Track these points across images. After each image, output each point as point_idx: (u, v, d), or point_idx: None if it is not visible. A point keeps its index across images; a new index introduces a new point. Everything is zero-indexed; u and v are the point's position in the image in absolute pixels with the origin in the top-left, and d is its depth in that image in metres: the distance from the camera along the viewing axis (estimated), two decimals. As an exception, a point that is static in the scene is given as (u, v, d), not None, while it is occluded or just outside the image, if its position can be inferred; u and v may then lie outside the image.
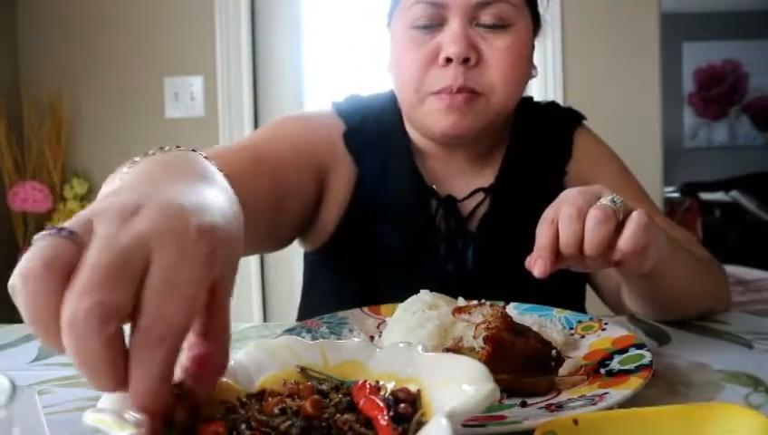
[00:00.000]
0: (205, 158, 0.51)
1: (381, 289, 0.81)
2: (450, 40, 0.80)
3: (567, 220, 0.59)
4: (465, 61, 0.80)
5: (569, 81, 2.37)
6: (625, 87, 2.37)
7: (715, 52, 5.53)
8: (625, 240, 0.59)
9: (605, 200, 0.60)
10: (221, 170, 0.50)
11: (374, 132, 0.93)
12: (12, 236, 2.38)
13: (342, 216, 0.90)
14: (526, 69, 0.86)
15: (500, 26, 0.81)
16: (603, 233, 0.58)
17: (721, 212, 4.79)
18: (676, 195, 4.67)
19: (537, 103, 1.00)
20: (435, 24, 0.82)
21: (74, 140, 2.46)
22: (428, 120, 0.84)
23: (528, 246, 0.62)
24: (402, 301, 0.69)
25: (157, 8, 2.43)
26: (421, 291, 0.68)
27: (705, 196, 4.82)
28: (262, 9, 2.48)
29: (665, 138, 2.44)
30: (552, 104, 1.01)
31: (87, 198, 2.45)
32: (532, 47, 0.88)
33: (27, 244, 2.37)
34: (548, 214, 0.62)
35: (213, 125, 2.43)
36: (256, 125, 2.48)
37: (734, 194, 4.86)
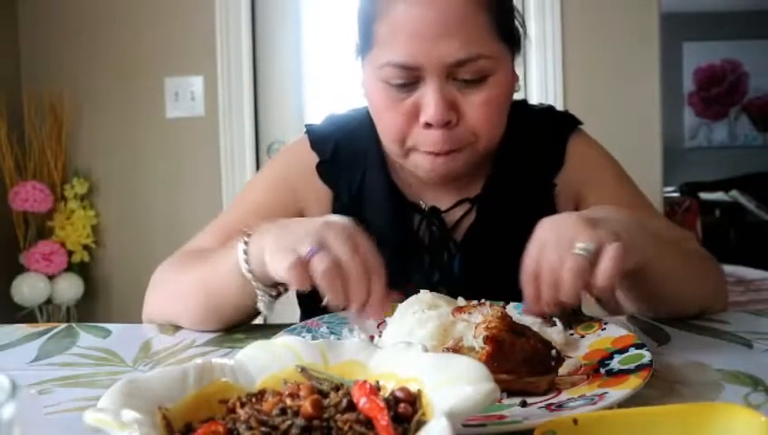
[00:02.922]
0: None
1: None
2: (428, 105, 0.78)
3: (546, 281, 0.64)
4: (446, 124, 0.79)
5: (569, 81, 2.36)
6: (625, 87, 2.37)
7: (714, 52, 5.53)
8: (600, 279, 0.62)
9: (578, 249, 0.62)
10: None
11: (348, 156, 0.93)
12: (13, 235, 2.38)
13: None
14: (507, 108, 0.85)
15: (479, 79, 0.79)
16: (578, 286, 0.62)
17: (721, 212, 4.79)
18: (675, 195, 4.67)
19: (532, 108, 0.98)
20: (410, 83, 0.79)
21: (75, 139, 2.46)
22: (415, 169, 0.85)
23: (515, 256, 0.65)
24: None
25: (157, 8, 2.43)
26: (421, 291, 0.68)
27: (704, 196, 4.81)
28: (262, 9, 2.48)
29: (665, 138, 2.44)
30: (548, 109, 0.99)
31: (88, 197, 2.45)
32: (515, 78, 0.86)
33: (28, 244, 2.37)
34: (529, 262, 0.65)
35: (213, 125, 2.43)
36: (256, 124, 2.48)
37: (734, 194, 4.86)
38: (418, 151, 0.82)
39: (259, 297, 0.73)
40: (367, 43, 0.84)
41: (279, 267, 0.64)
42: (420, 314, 0.63)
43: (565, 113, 0.98)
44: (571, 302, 0.64)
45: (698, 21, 5.40)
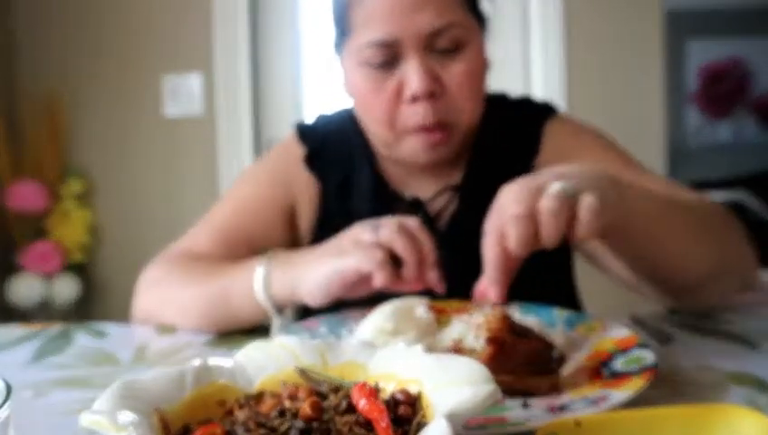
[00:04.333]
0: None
1: (358, 299, 0.80)
2: (411, 78, 0.81)
3: (516, 233, 0.59)
4: (431, 95, 0.81)
5: (571, 79, 2.36)
6: (628, 85, 2.37)
7: (719, 49, 5.51)
8: (582, 229, 0.59)
9: (554, 190, 0.59)
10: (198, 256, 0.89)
11: (336, 149, 0.96)
12: (8, 235, 2.37)
13: (313, 232, 0.95)
14: (484, 82, 0.88)
15: (455, 49, 0.82)
16: (559, 226, 0.58)
17: (723, 211, 4.78)
18: (677, 194, 4.66)
19: (509, 99, 1.00)
20: (390, 61, 0.82)
21: (71, 138, 2.45)
22: (408, 155, 0.87)
23: None
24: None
25: (154, 5, 2.42)
26: (380, 314, 0.66)
27: (709, 195, 4.81)
28: (261, 5, 2.48)
29: (669, 136, 2.44)
30: (525, 99, 1.00)
31: (84, 196, 2.44)
32: (485, 54, 0.88)
33: (23, 243, 2.36)
34: (492, 225, 0.62)
35: (211, 122, 2.42)
36: (255, 122, 2.47)
37: (739, 193, 4.86)
38: (410, 134, 0.84)
39: (275, 324, 0.76)
40: (344, 32, 0.87)
41: (345, 266, 0.69)
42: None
43: (542, 102, 0.99)
44: (550, 245, 0.59)
45: (702, 18, 5.38)
